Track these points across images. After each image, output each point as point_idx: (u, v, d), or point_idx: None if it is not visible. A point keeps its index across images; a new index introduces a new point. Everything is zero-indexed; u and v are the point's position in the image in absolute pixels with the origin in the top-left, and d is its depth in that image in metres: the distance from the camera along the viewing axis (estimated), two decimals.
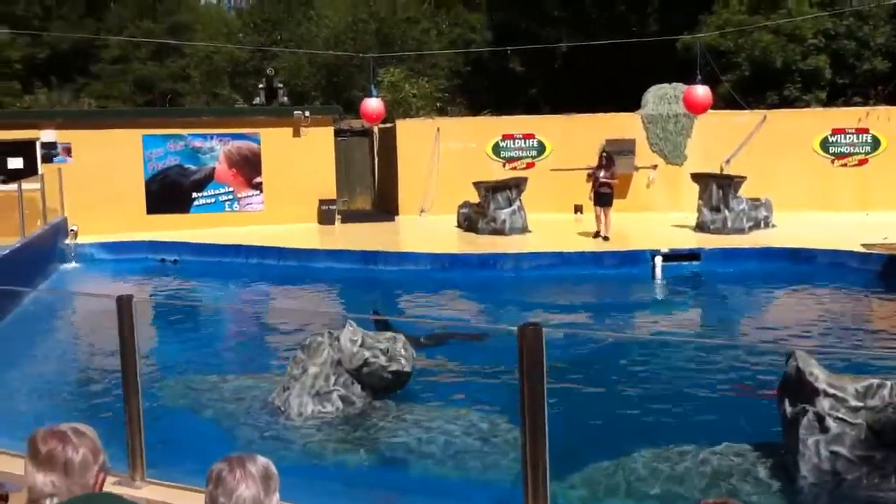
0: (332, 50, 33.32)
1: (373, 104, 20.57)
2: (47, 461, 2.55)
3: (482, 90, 36.10)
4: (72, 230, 19.45)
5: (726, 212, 18.65)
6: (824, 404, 6.35)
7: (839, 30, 28.02)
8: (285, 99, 25.81)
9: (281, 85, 26.61)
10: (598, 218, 18.51)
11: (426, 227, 21.14)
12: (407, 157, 22.93)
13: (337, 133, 23.54)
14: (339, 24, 36.41)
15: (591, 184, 18.67)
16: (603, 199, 18.39)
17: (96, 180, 20.26)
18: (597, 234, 18.46)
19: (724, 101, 25.48)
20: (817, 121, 22.92)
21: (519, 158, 22.98)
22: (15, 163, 20.48)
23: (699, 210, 19.07)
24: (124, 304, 5.32)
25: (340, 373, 8.51)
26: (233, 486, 2.48)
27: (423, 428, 7.89)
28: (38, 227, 17.15)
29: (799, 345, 10.77)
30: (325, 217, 21.70)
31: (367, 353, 8.53)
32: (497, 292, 15.79)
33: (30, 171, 19.94)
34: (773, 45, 27.59)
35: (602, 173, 18.38)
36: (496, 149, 23.00)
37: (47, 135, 20.82)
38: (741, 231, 18.50)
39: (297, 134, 22.06)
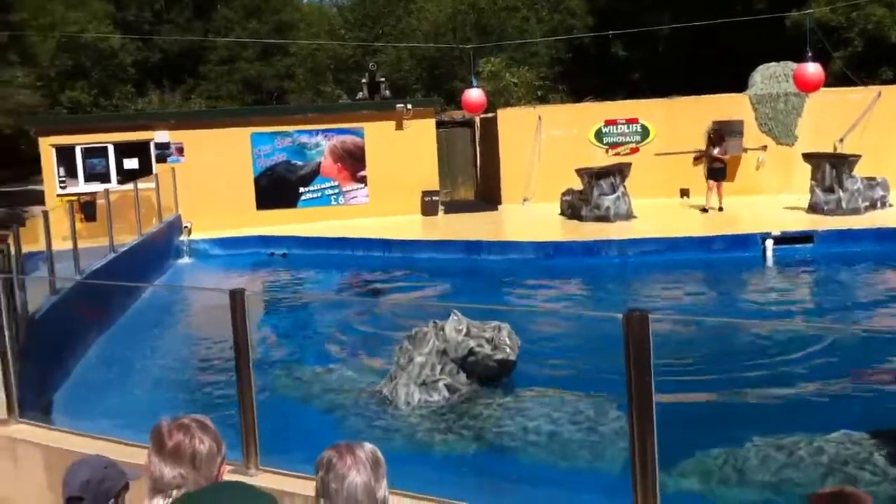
0: (432, 42, 33.49)
1: (474, 94, 20.57)
2: (175, 454, 2.59)
3: (584, 76, 35.75)
4: (186, 227, 20.09)
5: (840, 192, 18.04)
6: None
7: None
8: (387, 93, 26.06)
9: (383, 79, 26.88)
10: (709, 192, 19.44)
11: (529, 216, 21.06)
12: (509, 146, 22.89)
13: (439, 124, 23.64)
14: (438, 16, 36.58)
15: (704, 161, 19.94)
16: (717, 173, 19.43)
17: (208, 178, 20.84)
18: (704, 210, 19.33)
19: (836, 79, 24.63)
20: None
21: (622, 144, 22.68)
22: (131, 163, 21.22)
23: (812, 191, 18.50)
24: (237, 297, 5.47)
25: (446, 362, 8.58)
26: (344, 473, 2.51)
27: (528, 416, 7.90)
28: (153, 224, 17.76)
29: None
30: (428, 208, 21.84)
31: (472, 343, 8.58)
32: (603, 279, 15.65)
33: (145, 170, 20.63)
34: (886, 19, 26.55)
35: (716, 150, 19.44)
36: (599, 135, 22.75)
37: (161, 135, 21.51)
38: (856, 211, 17.86)
39: (399, 127, 22.25)
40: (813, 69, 18.19)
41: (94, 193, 17.95)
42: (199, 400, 9.08)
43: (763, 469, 6.44)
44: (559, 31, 36.33)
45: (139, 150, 21.37)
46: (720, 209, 19.20)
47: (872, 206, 18.28)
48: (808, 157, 19.18)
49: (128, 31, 41.06)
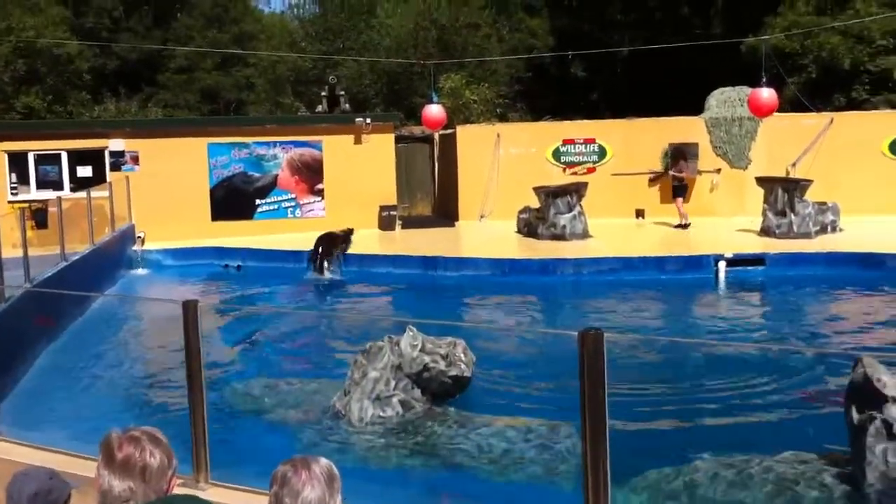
0: (393, 57, 33.53)
1: (433, 110, 20.65)
2: (124, 467, 2.55)
3: (543, 95, 35.99)
4: (139, 237, 19.87)
5: (792, 216, 18.34)
6: (892, 411, 6.21)
7: None
8: (347, 106, 26.04)
9: (343, 93, 26.84)
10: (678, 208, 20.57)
11: (486, 233, 21.13)
12: (467, 163, 22.97)
13: (398, 139, 23.67)
14: (400, 32, 36.64)
15: (669, 180, 21.25)
16: (676, 190, 20.62)
17: (163, 188, 20.64)
18: (684, 226, 20.30)
19: (789, 104, 25.07)
20: (886, 123, 22.41)
21: (580, 163, 22.87)
22: (84, 171, 20.96)
23: (764, 214, 18.78)
24: (190, 309, 5.42)
25: (400, 377, 8.55)
26: (298, 488, 2.50)
27: (482, 433, 7.90)
28: (106, 233, 17.54)
29: (867, 351, 10.54)
30: (385, 223, 21.82)
31: (426, 358, 8.56)
32: (558, 298, 15.72)
33: (98, 179, 20.38)
34: (840, 47, 27.09)
35: (672, 169, 20.82)
36: (556, 154, 22.92)
37: (115, 144, 21.28)
38: (807, 235, 18.17)
39: (358, 141, 22.23)
40: (767, 94, 18.52)
41: (46, 201, 17.73)
42: (149, 412, 8.96)
43: (713, 487, 6.50)
44: (519, 50, 36.54)
45: (93, 157, 21.13)
46: (679, 226, 20.12)
47: (823, 230, 18.60)
48: (760, 180, 19.49)
49: (85, 37, 40.55)
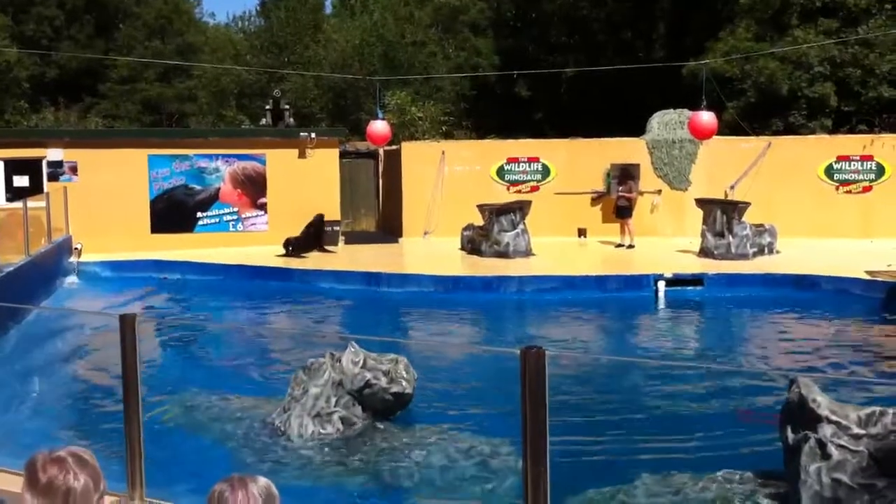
0: (338, 72, 33.48)
1: (379, 126, 20.63)
2: (47, 490, 2.46)
3: (488, 114, 36.23)
4: (76, 248, 19.49)
5: (730, 237, 18.64)
6: (826, 431, 6.32)
7: (845, 57, 28.08)
8: (291, 120, 25.90)
9: (287, 107, 26.71)
10: (621, 230, 20.75)
11: (430, 249, 21.13)
12: (412, 180, 22.97)
13: (342, 155, 23.59)
14: (346, 47, 36.63)
15: (615, 200, 21.21)
16: (621, 211, 20.70)
17: (101, 199, 20.30)
18: (619, 245, 20.48)
19: (729, 128, 25.52)
20: (822, 148, 22.92)
21: (523, 182, 23.01)
22: (21, 181, 20.55)
23: (703, 235, 19.06)
24: (127, 322, 5.32)
25: (341, 394, 8.49)
26: None
27: (423, 451, 7.87)
28: (42, 245, 17.18)
29: (802, 371, 10.73)
30: (329, 238, 21.70)
31: (368, 375, 8.52)
32: (500, 315, 15.77)
33: (35, 189, 19.99)
34: (778, 72, 27.66)
35: (620, 188, 20.83)
36: (501, 172, 23.04)
37: (54, 153, 20.90)
38: (745, 257, 18.47)
39: (302, 155, 22.11)
40: (707, 117, 18.86)
41: None
42: (83, 428, 8.77)
43: None
44: (464, 69, 36.76)
45: (30, 167, 20.71)
46: (629, 246, 20.32)
47: (760, 251, 18.92)
48: (700, 202, 19.79)
49: (25, 45, 39.86)
